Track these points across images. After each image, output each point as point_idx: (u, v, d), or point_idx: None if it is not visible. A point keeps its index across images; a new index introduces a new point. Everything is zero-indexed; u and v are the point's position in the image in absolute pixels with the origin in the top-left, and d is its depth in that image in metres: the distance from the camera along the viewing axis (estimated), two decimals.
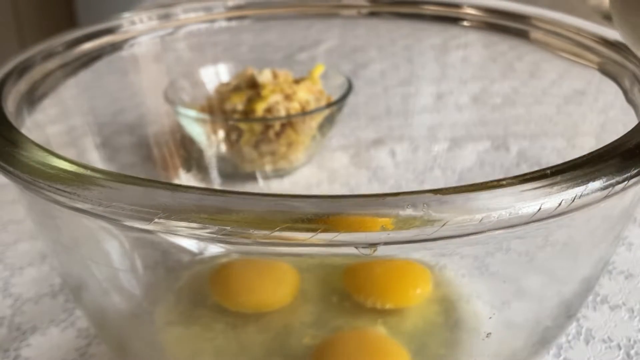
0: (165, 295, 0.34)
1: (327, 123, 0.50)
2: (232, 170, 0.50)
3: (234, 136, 0.48)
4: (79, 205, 0.21)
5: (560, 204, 0.19)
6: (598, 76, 0.34)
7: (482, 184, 0.19)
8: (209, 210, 0.19)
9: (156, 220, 0.19)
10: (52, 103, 0.35)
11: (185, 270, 0.36)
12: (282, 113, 0.48)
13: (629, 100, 0.30)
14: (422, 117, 0.59)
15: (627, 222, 0.29)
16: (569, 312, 0.30)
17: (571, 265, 0.28)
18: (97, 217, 0.21)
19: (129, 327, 0.31)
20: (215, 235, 0.19)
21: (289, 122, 0.48)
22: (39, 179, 0.22)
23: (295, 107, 0.49)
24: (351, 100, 0.52)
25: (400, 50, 0.61)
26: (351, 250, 0.20)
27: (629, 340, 0.34)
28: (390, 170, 0.52)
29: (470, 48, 0.69)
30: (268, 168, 0.50)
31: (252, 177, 0.51)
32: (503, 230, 0.20)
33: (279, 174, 0.51)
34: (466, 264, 0.33)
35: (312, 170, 0.52)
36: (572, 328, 0.35)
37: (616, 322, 0.35)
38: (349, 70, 0.61)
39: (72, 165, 0.22)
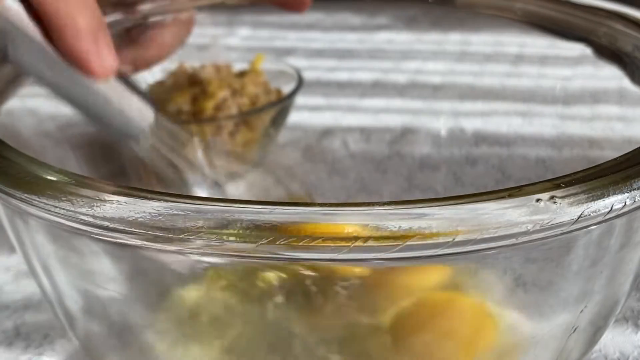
0: (156, 312, 0.29)
1: (280, 117, 0.46)
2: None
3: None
4: (57, 219, 0.18)
5: None
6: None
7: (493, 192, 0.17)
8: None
9: None
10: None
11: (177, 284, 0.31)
12: (234, 110, 0.44)
13: None
14: (371, 102, 0.56)
15: None
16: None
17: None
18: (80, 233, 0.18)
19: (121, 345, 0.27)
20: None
21: (243, 120, 0.44)
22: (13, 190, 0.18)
23: (245, 102, 0.45)
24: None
25: None
26: None
27: None
28: (347, 162, 0.49)
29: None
30: (221, 171, 0.46)
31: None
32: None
33: (232, 177, 0.47)
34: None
35: (267, 170, 0.48)
36: None
37: None
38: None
39: (52, 173, 0.19)
